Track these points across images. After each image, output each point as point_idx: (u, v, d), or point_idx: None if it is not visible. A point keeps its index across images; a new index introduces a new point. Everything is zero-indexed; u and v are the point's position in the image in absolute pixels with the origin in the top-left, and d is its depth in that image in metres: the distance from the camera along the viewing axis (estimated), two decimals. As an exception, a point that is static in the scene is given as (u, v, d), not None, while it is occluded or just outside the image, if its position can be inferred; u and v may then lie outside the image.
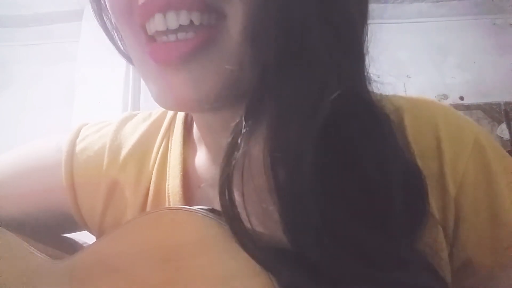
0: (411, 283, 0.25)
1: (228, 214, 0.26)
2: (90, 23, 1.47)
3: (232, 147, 0.26)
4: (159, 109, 0.43)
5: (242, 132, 0.25)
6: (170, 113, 0.41)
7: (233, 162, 0.25)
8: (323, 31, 0.25)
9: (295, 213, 0.25)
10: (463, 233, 0.31)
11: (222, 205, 0.26)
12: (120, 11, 0.30)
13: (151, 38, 0.29)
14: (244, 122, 0.26)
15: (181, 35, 0.28)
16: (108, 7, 0.32)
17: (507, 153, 0.34)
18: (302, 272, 0.24)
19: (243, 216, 0.25)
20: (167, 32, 0.28)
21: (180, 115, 0.41)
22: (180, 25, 0.27)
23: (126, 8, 0.29)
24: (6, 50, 1.67)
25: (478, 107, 1.61)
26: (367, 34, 0.29)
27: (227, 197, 0.26)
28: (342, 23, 0.26)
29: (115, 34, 0.38)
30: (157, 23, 0.27)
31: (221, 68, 0.27)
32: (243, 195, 0.26)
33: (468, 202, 0.31)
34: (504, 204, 0.31)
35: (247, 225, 0.26)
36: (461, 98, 1.63)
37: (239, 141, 0.26)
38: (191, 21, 0.27)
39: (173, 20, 0.27)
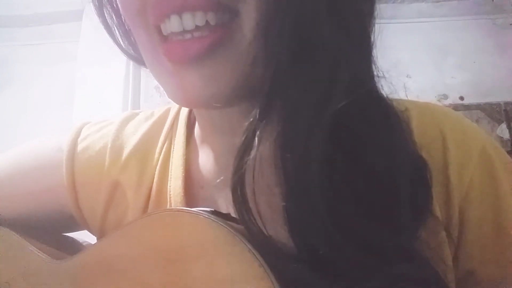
0: (417, 275, 0.25)
1: (241, 211, 0.26)
2: (90, 23, 1.47)
3: (246, 146, 0.26)
4: (161, 108, 0.43)
5: (257, 133, 0.25)
6: (173, 112, 0.41)
7: (247, 162, 0.25)
8: (334, 27, 0.25)
9: (302, 207, 0.25)
10: (466, 243, 0.31)
11: (235, 203, 0.26)
12: (133, 11, 0.30)
13: (165, 38, 0.29)
14: (258, 121, 0.26)
15: (197, 34, 0.28)
16: (120, 8, 0.31)
17: None
18: (306, 276, 0.24)
19: (254, 212, 0.26)
20: (183, 32, 0.28)
21: (183, 114, 0.40)
22: (196, 25, 0.27)
23: (140, 9, 0.29)
24: (6, 50, 1.66)
25: (478, 107, 1.61)
26: (374, 27, 0.28)
27: (239, 195, 0.26)
28: (352, 18, 0.26)
29: (116, 30, 0.38)
30: (173, 25, 0.28)
31: (235, 66, 0.27)
32: (254, 193, 0.26)
33: (473, 213, 0.31)
34: (510, 218, 0.30)
35: (259, 222, 0.25)
36: (461, 98, 1.63)
37: (253, 140, 0.25)
38: (207, 21, 0.27)
39: (189, 21, 0.27)
